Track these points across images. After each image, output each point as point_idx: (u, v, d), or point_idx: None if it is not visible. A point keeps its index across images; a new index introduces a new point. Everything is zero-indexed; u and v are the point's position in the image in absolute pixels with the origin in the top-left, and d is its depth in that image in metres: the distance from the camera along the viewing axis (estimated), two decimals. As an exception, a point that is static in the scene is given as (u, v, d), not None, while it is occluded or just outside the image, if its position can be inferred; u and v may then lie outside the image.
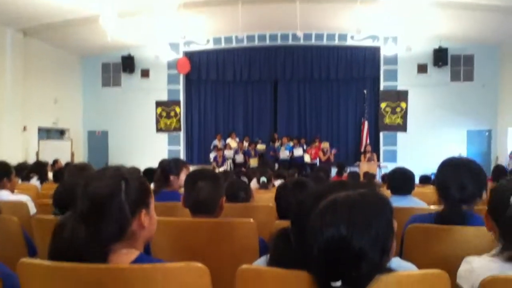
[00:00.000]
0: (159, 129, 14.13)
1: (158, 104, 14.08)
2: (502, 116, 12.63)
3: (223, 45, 13.78)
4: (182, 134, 14.25)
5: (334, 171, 8.23)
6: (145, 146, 13.66)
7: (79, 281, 1.14)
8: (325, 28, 12.99)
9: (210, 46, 13.87)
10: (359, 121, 13.74)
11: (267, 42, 13.60)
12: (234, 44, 13.62)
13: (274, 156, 12.70)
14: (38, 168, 5.56)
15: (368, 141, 13.12)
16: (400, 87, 13.28)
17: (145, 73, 14.11)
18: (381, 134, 13.50)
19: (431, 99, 13.08)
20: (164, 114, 14.10)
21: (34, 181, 5.24)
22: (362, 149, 12.86)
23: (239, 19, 11.09)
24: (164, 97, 14.10)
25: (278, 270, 1.10)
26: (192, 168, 2.56)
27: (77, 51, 13.74)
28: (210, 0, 10.96)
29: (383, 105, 13.38)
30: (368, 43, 13.25)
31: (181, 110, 14.10)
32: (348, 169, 8.68)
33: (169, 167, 3.08)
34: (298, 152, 12.44)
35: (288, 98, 14.26)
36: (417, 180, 4.20)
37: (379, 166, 12.05)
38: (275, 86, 14.37)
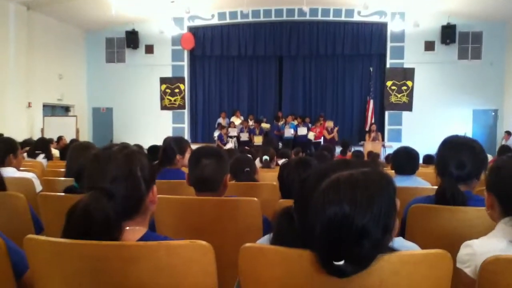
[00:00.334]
0: (163, 107, 14.11)
1: (163, 80, 14.02)
2: (509, 95, 12.50)
3: (228, 20, 13.62)
4: (186, 112, 14.23)
5: (338, 150, 8.23)
6: (149, 123, 13.69)
7: (85, 258, 1.16)
8: (332, 3, 12.79)
9: (215, 21, 13.72)
10: (365, 99, 13.65)
11: (273, 17, 13.43)
12: (239, 19, 13.46)
13: (278, 134, 12.69)
14: (42, 145, 5.57)
15: (373, 120, 13.05)
16: (407, 64, 13.13)
17: (149, 49, 14.01)
18: (386, 113, 13.42)
19: (437, 77, 12.94)
20: (168, 91, 14.05)
21: (41, 159, 5.27)
22: (367, 128, 12.81)
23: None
24: (168, 73, 14.03)
25: (281, 249, 1.11)
26: (196, 146, 2.57)
27: (81, 25, 13.62)
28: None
29: (389, 83, 13.26)
30: (375, 19, 13.05)
31: (185, 87, 14.05)
32: (352, 149, 8.68)
33: (175, 145, 3.08)
34: (302, 131, 12.41)
35: (293, 74, 14.15)
36: (421, 160, 4.18)
37: (383, 146, 12.03)
38: (280, 62, 14.26)
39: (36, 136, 10.17)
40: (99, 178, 1.22)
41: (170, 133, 11.96)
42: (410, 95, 13.19)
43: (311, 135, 12.26)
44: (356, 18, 13.11)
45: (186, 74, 14.13)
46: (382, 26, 13.22)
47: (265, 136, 12.47)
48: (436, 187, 1.97)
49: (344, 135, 12.45)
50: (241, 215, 2.00)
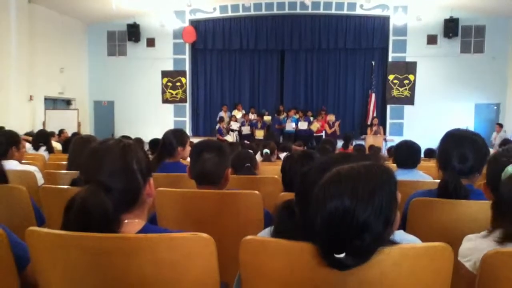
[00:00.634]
0: (165, 100, 14.11)
1: (164, 74, 14.00)
2: (511, 89, 12.44)
3: (229, 13, 13.57)
4: (187, 105, 14.22)
5: (340, 144, 8.22)
6: (151, 116, 13.69)
7: (86, 250, 1.16)
8: (334, -4, 12.74)
9: (216, 14, 13.67)
10: (366, 93, 13.61)
11: (275, 11, 13.37)
12: (240, 12, 13.41)
13: (279, 128, 12.69)
14: (42, 138, 5.57)
15: (375, 114, 13.02)
16: (409, 58, 13.08)
17: (150, 42, 13.98)
18: (388, 107, 13.39)
19: (440, 71, 12.90)
20: (170, 84, 14.04)
21: (42, 151, 5.27)
22: (369, 122, 12.79)
23: (246, -13, 10.88)
24: (170, 66, 14.01)
25: (282, 241, 1.12)
26: (197, 140, 2.57)
27: (82, 19, 13.59)
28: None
29: (391, 77, 13.22)
30: (378, 12, 12.99)
31: (186, 80, 14.03)
32: (354, 142, 8.66)
33: (175, 138, 3.09)
34: (303, 125, 12.39)
35: (295, 68, 14.12)
36: (422, 154, 4.18)
37: (385, 140, 12.00)
38: (282, 56, 14.22)
39: (38, 129, 10.17)
40: (96, 172, 1.23)
41: (171, 127, 11.94)
42: (412, 89, 13.16)
43: (314, 126, 12.21)
44: (358, 11, 13.05)
45: (187, 68, 14.11)
46: (385, 20, 13.17)
47: (267, 129, 12.47)
48: (438, 180, 1.97)
49: (345, 129, 12.42)
50: (242, 208, 2.00)
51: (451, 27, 12.52)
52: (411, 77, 13.11)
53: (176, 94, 14.08)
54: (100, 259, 1.16)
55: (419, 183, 2.62)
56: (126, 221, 1.24)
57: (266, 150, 4.62)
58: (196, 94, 14.53)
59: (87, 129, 13.56)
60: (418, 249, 1.11)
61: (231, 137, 12.22)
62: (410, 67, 13.09)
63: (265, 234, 1.27)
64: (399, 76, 13.18)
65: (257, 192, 2.01)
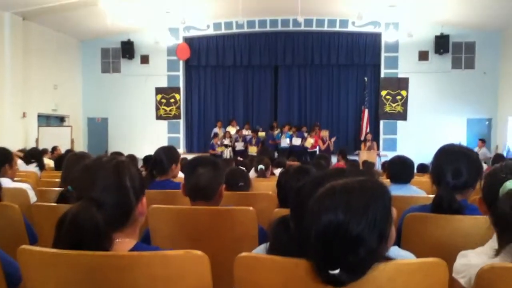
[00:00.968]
0: (159, 116, 14.11)
1: (158, 90, 14.03)
2: (502, 104, 12.59)
3: (223, 30, 13.69)
4: (182, 122, 14.23)
5: (333, 159, 8.23)
6: (145, 133, 13.66)
7: (79, 268, 1.15)
8: (326, 13, 12.88)
9: (210, 31, 13.78)
10: (359, 109, 13.70)
11: (268, 28, 13.51)
12: (234, 29, 13.53)
13: (273, 144, 12.70)
14: (34, 155, 5.54)
15: (368, 129, 13.10)
16: (401, 74, 13.23)
17: (144, 59, 14.03)
18: (381, 123, 13.48)
19: (431, 86, 13.04)
20: (164, 101, 14.06)
21: (33, 168, 5.23)
22: (362, 138, 12.85)
23: (239, 4, 11.00)
24: (164, 83, 14.05)
25: (277, 258, 1.11)
26: (191, 156, 2.56)
27: (76, 36, 13.65)
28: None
29: (383, 93, 13.35)
30: (370, 29, 13.17)
31: (180, 97, 14.07)
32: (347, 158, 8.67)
33: (168, 156, 3.07)
34: (296, 141, 12.43)
35: (288, 84, 14.21)
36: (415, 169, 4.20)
37: (378, 155, 12.05)
38: (275, 72, 14.32)
39: (31, 146, 10.11)
40: (89, 188, 1.22)
41: (165, 143, 11.93)
42: (404, 105, 13.27)
43: (308, 143, 12.23)
44: (350, 28, 13.22)
45: (181, 84, 14.15)
46: (376, 36, 13.34)
47: (262, 145, 12.47)
48: (432, 195, 1.97)
49: (339, 144, 12.47)
50: (236, 224, 1.99)
51: (441, 43, 12.71)
52: (403, 92, 13.24)
53: (170, 110, 14.09)
54: (93, 276, 1.14)
55: (412, 198, 2.63)
56: (117, 240, 1.23)
57: (261, 166, 4.61)
58: (190, 110, 14.55)
59: (81, 146, 13.49)
60: (412, 264, 1.11)
61: (224, 154, 12.20)
62: (402, 83, 13.23)
63: (260, 250, 1.27)
64: (391, 92, 13.30)
65: (251, 208, 2.01)
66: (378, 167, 10.20)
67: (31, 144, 10.85)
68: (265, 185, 3.65)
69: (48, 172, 5.40)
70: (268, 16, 13.21)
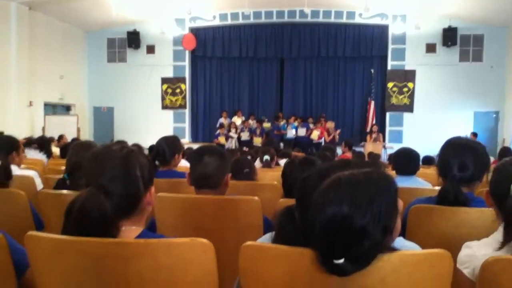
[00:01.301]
0: (164, 106, 14.12)
1: (164, 80, 14.03)
2: (510, 97, 12.49)
3: (229, 21, 13.63)
4: (187, 112, 14.24)
5: (339, 151, 8.21)
6: (150, 123, 13.68)
7: (85, 255, 1.16)
8: (333, 5, 12.79)
9: (216, 22, 13.73)
10: (366, 101, 13.64)
11: (274, 19, 13.42)
12: (240, 21, 13.46)
13: (278, 135, 12.69)
14: (42, 143, 5.58)
15: (374, 121, 13.05)
16: (408, 66, 13.13)
17: (150, 49, 14.02)
18: (387, 115, 13.42)
19: (438, 79, 12.94)
20: (169, 91, 14.07)
21: (41, 155, 5.28)
22: (368, 129, 12.80)
23: (246, -5, 10.94)
24: (169, 73, 14.04)
25: (281, 247, 1.11)
26: (196, 146, 2.57)
27: (82, 26, 13.64)
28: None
29: (390, 85, 13.26)
30: (377, 21, 13.05)
31: (186, 87, 14.06)
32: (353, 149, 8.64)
33: (170, 146, 3.07)
34: (301, 132, 12.41)
35: (294, 76, 14.15)
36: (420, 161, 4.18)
37: (384, 147, 12.02)
38: (281, 64, 14.25)
39: (37, 135, 10.17)
40: (97, 176, 1.23)
41: (171, 133, 11.93)
42: (411, 97, 13.20)
43: (314, 135, 12.20)
44: (357, 20, 13.11)
45: (187, 75, 14.14)
46: (384, 28, 13.23)
47: (267, 136, 12.47)
48: (438, 187, 1.97)
49: (345, 136, 12.43)
50: (241, 214, 2.00)
51: (449, 36, 12.59)
52: (410, 85, 13.15)
53: (176, 100, 14.10)
54: (99, 263, 1.15)
55: (418, 190, 2.63)
56: (123, 227, 1.24)
57: (266, 157, 4.62)
58: (196, 100, 14.55)
59: (87, 135, 13.55)
60: (417, 255, 1.11)
61: (230, 143, 12.21)
62: (409, 75, 13.14)
63: (265, 240, 1.27)
64: (398, 84, 13.22)
65: (256, 198, 2.01)
66: (384, 159, 10.19)
67: (37, 133, 10.91)
68: (270, 175, 3.66)
69: (54, 159, 5.44)
70: (275, 7, 13.12)
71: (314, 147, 11.81)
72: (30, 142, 5.66)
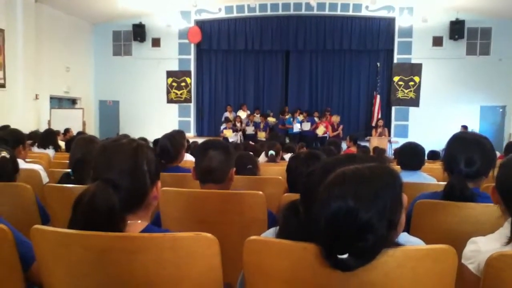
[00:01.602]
0: (169, 100, 14.13)
1: (169, 74, 14.03)
2: (517, 92, 12.39)
3: (234, 13, 13.58)
4: (192, 106, 14.24)
5: (343, 146, 8.19)
6: (155, 116, 13.71)
7: (90, 249, 1.17)
8: (339, -3, 12.72)
9: (222, 14, 13.68)
10: (371, 94, 13.57)
11: (280, 11, 13.36)
12: (246, 13, 13.41)
13: (283, 129, 12.67)
14: (48, 137, 5.61)
15: (379, 115, 12.99)
16: (414, 60, 13.04)
17: (156, 42, 14.01)
18: (393, 109, 13.36)
19: (445, 73, 12.85)
20: (174, 84, 14.07)
21: (49, 150, 5.31)
22: (374, 124, 12.75)
23: (252, -12, 10.89)
24: (175, 66, 14.03)
25: (285, 242, 1.12)
26: (201, 140, 2.56)
27: (88, 18, 13.65)
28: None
29: (396, 78, 13.18)
30: (383, 14, 12.96)
31: (191, 81, 14.05)
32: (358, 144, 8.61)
33: (175, 143, 3.07)
34: (305, 126, 12.39)
35: (299, 69, 14.09)
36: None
37: (389, 141, 11.97)
38: (286, 57, 14.20)
39: (43, 128, 10.22)
40: (106, 169, 1.23)
41: (176, 127, 11.99)
42: (417, 91, 13.11)
43: (320, 130, 12.16)
44: (363, 12, 13.02)
45: (192, 68, 14.12)
46: (390, 21, 13.13)
47: (271, 130, 12.46)
48: (442, 182, 1.96)
49: (350, 130, 12.38)
50: (246, 208, 2.00)
51: (457, 29, 12.47)
52: (416, 78, 13.07)
53: (181, 94, 14.10)
54: (104, 257, 1.16)
55: (423, 185, 2.61)
56: (129, 221, 1.25)
57: (271, 152, 4.61)
58: (201, 94, 14.54)
59: (92, 128, 13.60)
60: (421, 251, 1.10)
61: (235, 137, 12.21)
62: (416, 69, 13.05)
63: (269, 234, 1.27)
64: (404, 78, 13.14)
65: (260, 192, 2.01)
66: (389, 153, 10.16)
67: (43, 126, 10.96)
68: (275, 170, 3.66)
69: (60, 153, 5.47)
70: (280, -1, 13.07)
71: (319, 142, 11.79)
72: (34, 138, 5.68)
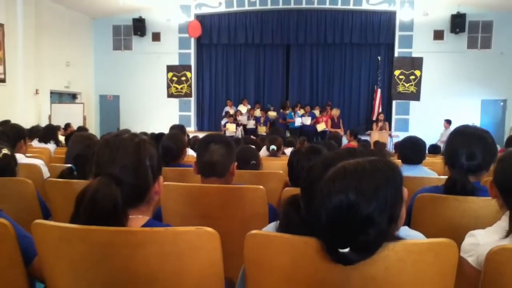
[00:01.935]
0: (170, 95, 14.12)
1: (169, 68, 14.00)
2: (518, 85, 12.35)
3: (235, 7, 13.53)
4: (192, 100, 14.23)
5: (344, 140, 8.19)
6: (156, 111, 13.71)
7: (92, 243, 1.17)
8: (340, -9, 12.67)
9: (222, 8, 13.63)
10: (372, 88, 13.55)
11: (280, 5, 13.30)
12: (246, 7, 13.36)
13: (284, 123, 12.66)
14: (49, 132, 5.62)
15: (380, 110, 12.97)
16: (415, 54, 13.00)
17: (156, 37, 13.98)
18: (393, 103, 13.33)
19: (446, 67, 12.81)
20: (175, 79, 14.05)
21: (50, 145, 5.32)
22: (374, 118, 12.74)
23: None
24: (175, 61, 14.00)
25: (286, 236, 1.12)
26: (202, 134, 2.56)
27: (88, 13, 13.62)
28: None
29: (396, 72, 13.15)
30: (384, 7, 12.91)
31: (192, 75, 14.03)
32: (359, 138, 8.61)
33: (177, 143, 3.06)
34: (306, 121, 12.37)
35: (300, 63, 14.06)
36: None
37: (390, 135, 11.95)
38: (287, 51, 14.16)
39: (44, 123, 10.22)
40: (109, 164, 1.23)
41: (176, 121, 11.98)
42: (418, 85, 13.08)
43: (320, 127, 12.14)
44: (364, 6, 12.97)
45: (192, 62, 14.10)
46: (391, 15, 13.08)
47: (272, 125, 12.45)
48: (443, 176, 1.96)
49: (351, 124, 12.39)
50: (247, 202, 2.00)
51: (458, 22, 12.42)
52: (417, 72, 13.04)
53: (181, 88, 14.08)
54: (106, 252, 1.17)
55: (424, 179, 2.61)
56: (130, 216, 1.25)
57: (273, 147, 4.61)
58: (201, 88, 14.52)
59: (93, 123, 13.61)
60: (422, 245, 1.11)
61: (236, 132, 12.21)
62: (416, 63, 13.01)
63: (270, 228, 1.28)
64: (405, 72, 13.11)
65: (261, 187, 2.01)
66: (390, 147, 10.15)
67: (44, 121, 10.96)
68: (276, 164, 3.66)
69: (61, 148, 5.48)
70: (281, -7, 13.02)
71: (320, 136, 11.78)
72: (35, 133, 5.69)
